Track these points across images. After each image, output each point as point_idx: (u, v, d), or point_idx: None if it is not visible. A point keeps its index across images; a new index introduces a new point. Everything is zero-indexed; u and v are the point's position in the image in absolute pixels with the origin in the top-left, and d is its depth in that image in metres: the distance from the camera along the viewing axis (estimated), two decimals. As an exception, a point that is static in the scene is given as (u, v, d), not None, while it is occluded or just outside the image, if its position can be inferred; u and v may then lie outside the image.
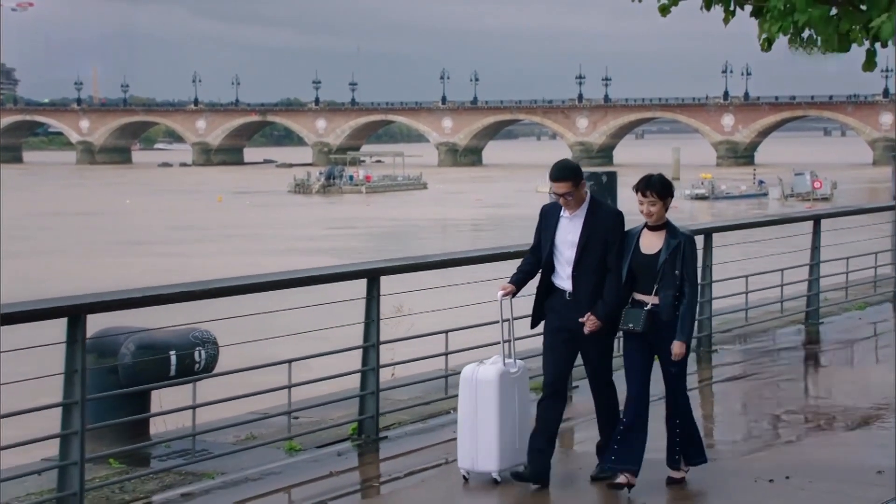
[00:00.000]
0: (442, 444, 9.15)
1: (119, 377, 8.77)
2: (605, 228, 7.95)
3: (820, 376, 12.46)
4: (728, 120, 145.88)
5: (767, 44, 8.75)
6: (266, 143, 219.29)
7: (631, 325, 7.81)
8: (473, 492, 8.07)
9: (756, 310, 14.16)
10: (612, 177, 19.27)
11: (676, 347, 7.77)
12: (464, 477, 8.18)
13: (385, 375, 9.88)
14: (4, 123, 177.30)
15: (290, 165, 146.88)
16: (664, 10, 8.82)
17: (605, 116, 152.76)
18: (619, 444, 7.92)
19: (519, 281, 8.20)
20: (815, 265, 14.07)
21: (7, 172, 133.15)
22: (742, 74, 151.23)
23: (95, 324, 8.83)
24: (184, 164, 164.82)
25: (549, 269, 8.09)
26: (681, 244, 7.75)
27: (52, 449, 8.39)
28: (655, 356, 8.03)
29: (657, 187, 7.80)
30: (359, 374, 9.33)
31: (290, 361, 8.89)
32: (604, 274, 7.91)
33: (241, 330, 9.90)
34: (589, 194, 8.06)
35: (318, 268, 9.84)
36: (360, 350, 9.26)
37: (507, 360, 8.16)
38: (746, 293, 13.64)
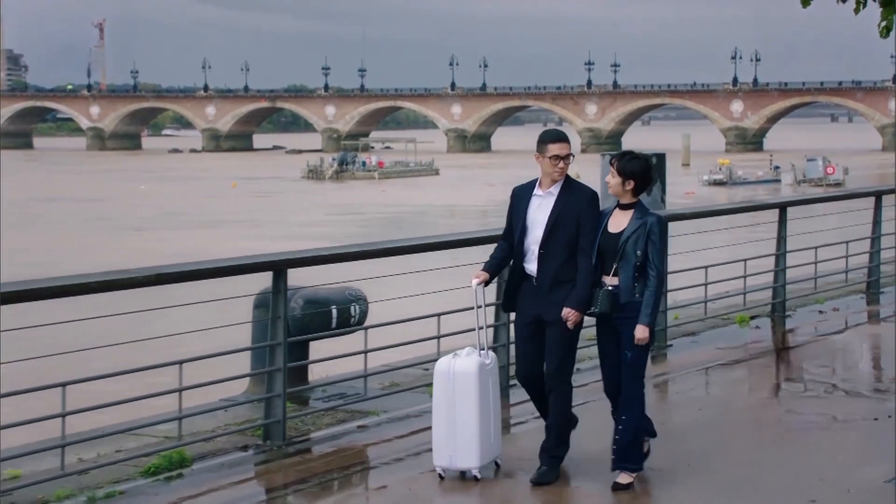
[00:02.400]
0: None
1: (289, 328, 9.93)
2: (577, 207, 7.60)
3: (880, 340, 13.62)
4: (737, 106, 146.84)
5: (886, 31, 9.65)
6: (273, 130, 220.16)
7: (592, 308, 7.54)
8: (456, 489, 7.74)
9: (815, 280, 15.28)
10: (662, 158, 20.36)
11: (639, 332, 7.47)
12: (440, 475, 7.83)
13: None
14: (15, 110, 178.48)
15: (300, 152, 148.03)
16: (805, 3, 9.68)
17: (613, 103, 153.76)
18: (625, 444, 7.66)
19: (492, 268, 7.88)
20: (875, 238, 15.24)
21: (21, 158, 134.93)
22: (751, 60, 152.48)
23: (261, 283, 10.13)
24: (194, 151, 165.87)
25: (522, 253, 7.75)
26: (647, 224, 7.50)
27: (217, 392, 9.62)
28: None
29: (620, 163, 7.61)
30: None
31: (438, 315, 10.01)
32: (573, 256, 7.59)
33: (375, 290, 11.07)
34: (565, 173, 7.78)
35: (453, 234, 11.01)
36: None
37: (480, 352, 7.84)
38: (816, 263, 14.80)
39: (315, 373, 10.96)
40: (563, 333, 7.63)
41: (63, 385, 7.30)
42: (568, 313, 7.53)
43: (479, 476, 7.77)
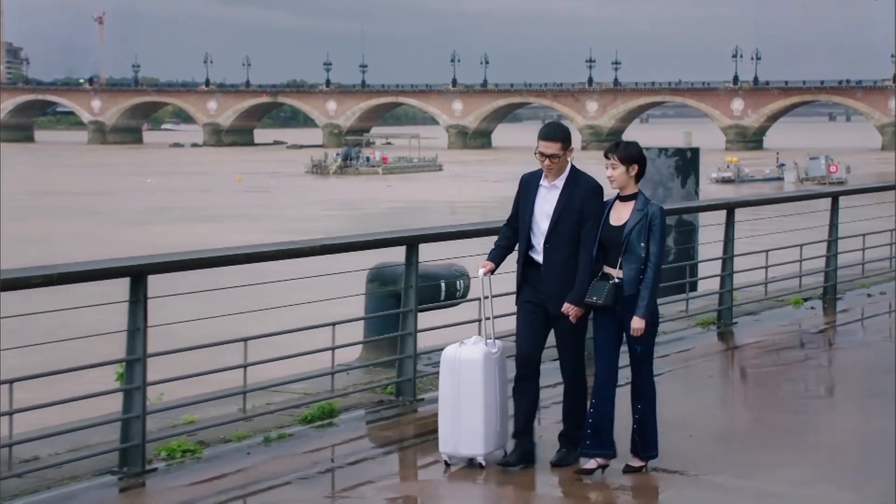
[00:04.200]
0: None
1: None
2: (581, 199, 7.64)
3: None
4: (737, 104, 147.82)
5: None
6: (273, 125, 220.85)
7: (594, 299, 7.57)
8: (459, 478, 7.80)
9: (863, 265, 16.30)
10: (696, 153, 21.41)
11: (635, 323, 7.55)
12: (445, 462, 7.91)
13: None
14: (16, 103, 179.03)
15: (301, 147, 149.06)
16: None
17: (614, 100, 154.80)
18: (591, 429, 7.72)
19: (498, 257, 7.95)
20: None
21: (23, 151, 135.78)
22: (752, 59, 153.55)
23: (375, 258, 11.11)
24: (195, 145, 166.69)
25: (527, 243, 7.80)
26: (649, 215, 7.54)
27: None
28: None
29: (620, 151, 7.64)
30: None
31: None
32: (577, 247, 7.65)
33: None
34: (570, 164, 7.78)
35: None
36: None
37: (487, 341, 7.92)
38: (863, 250, 15.83)
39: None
40: (571, 328, 7.74)
41: (245, 340, 8.27)
42: (568, 309, 7.64)
43: (483, 463, 7.82)
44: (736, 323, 13.13)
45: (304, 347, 9.20)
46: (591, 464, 7.73)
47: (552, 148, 7.64)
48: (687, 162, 19.96)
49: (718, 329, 12.96)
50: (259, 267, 8.96)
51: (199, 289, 8.92)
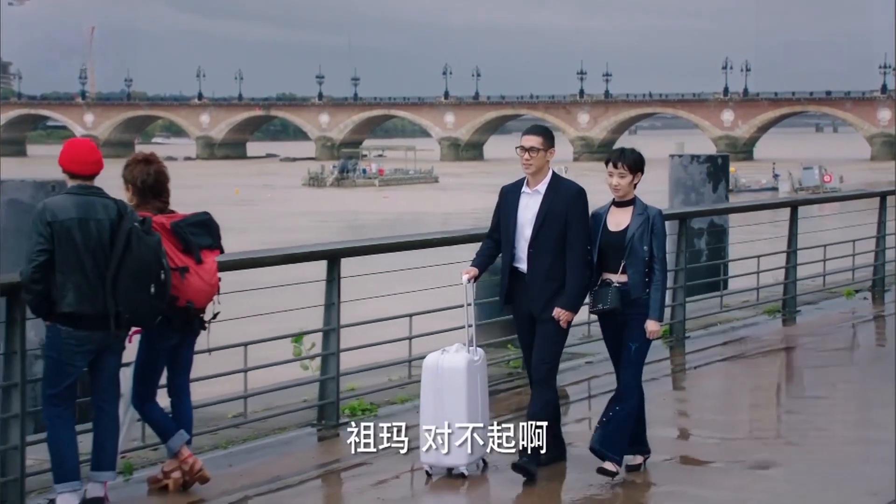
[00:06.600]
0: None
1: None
2: (565, 205, 7.61)
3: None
4: (728, 115, 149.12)
5: None
6: (263, 138, 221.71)
7: (601, 306, 7.61)
8: (447, 486, 7.78)
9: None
10: (726, 160, 22.65)
11: (651, 326, 7.56)
12: (426, 472, 7.80)
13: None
14: (8, 118, 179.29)
15: (294, 159, 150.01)
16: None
17: (605, 112, 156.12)
18: (606, 428, 7.69)
19: (482, 264, 7.96)
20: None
21: (20, 165, 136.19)
22: (741, 70, 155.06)
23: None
24: (188, 158, 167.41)
25: (511, 252, 7.79)
26: (650, 218, 7.60)
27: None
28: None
29: (629, 160, 7.67)
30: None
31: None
32: (562, 253, 7.62)
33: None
34: (552, 171, 7.78)
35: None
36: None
37: (469, 348, 7.87)
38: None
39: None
40: (554, 331, 7.69)
41: (410, 316, 9.40)
42: (559, 313, 7.62)
43: (466, 473, 7.76)
44: (799, 311, 14.28)
45: (431, 327, 10.26)
46: (609, 466, 7.66)
47: (532, 141, 7.66)
48: (718, 168, 21.23)
49: (784, 316, 14.09)
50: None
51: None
